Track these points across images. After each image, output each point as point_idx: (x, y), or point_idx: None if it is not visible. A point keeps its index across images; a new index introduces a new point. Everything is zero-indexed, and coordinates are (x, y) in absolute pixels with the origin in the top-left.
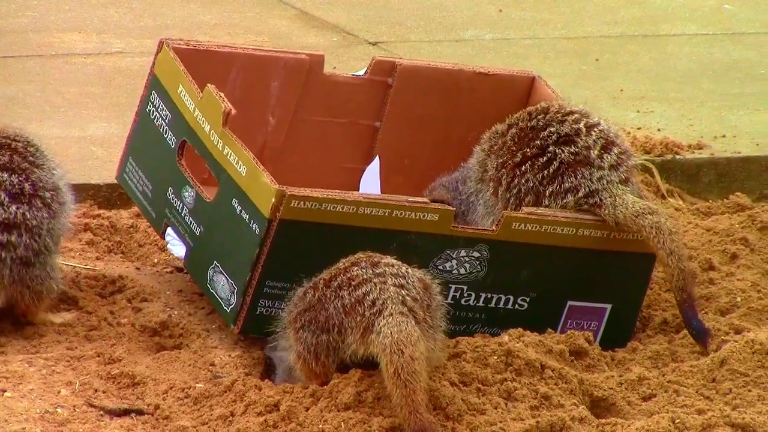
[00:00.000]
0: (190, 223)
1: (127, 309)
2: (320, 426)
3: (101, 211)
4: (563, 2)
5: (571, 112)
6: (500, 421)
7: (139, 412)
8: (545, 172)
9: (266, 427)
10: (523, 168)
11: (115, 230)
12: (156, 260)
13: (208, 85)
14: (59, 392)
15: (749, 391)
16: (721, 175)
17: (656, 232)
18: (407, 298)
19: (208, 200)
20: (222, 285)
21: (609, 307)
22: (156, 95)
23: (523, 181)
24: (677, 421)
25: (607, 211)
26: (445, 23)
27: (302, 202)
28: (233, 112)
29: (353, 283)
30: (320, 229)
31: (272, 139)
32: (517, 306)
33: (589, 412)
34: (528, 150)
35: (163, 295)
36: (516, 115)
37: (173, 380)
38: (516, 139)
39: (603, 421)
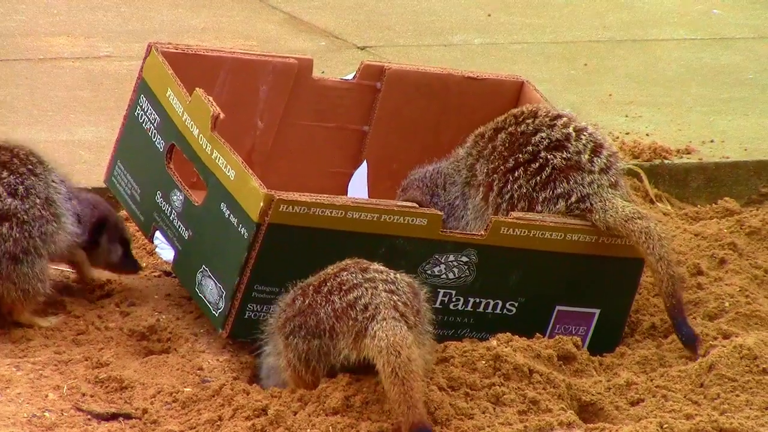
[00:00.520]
0: (179, 227)
1: (115, 313)
2: (308, 430)
3: None
4: (552, 7)
5: (559, 116)
6: (488, 426)
7: (127, 417)
8: (538, 177)
9: (254, 431)
10: (516, 174)
11: None
12: (144, 264)
13: (197, 89)
14: (47, 396)
15: (737, 396)
16: (709, 180)
17: (645, 237)
18: (398, 303)
19: (196, 204)
20: (210, 289)
21: (597, 311)
22: (145, 99)
23: (515, 186)
24: (665, 425)
25: (597, 216)
26: (433, 27)
27: (291, 207)
28: (222, 116)
29: (344, 287)
30: (309, 234)
31: (260, 143)
32: (505, 311)
33: (577, 417)
34: (520, 155)
35: (151, 300)
36: (501, 118)
37: (161, 384)
38: (506, 144)
39: (591, 425)
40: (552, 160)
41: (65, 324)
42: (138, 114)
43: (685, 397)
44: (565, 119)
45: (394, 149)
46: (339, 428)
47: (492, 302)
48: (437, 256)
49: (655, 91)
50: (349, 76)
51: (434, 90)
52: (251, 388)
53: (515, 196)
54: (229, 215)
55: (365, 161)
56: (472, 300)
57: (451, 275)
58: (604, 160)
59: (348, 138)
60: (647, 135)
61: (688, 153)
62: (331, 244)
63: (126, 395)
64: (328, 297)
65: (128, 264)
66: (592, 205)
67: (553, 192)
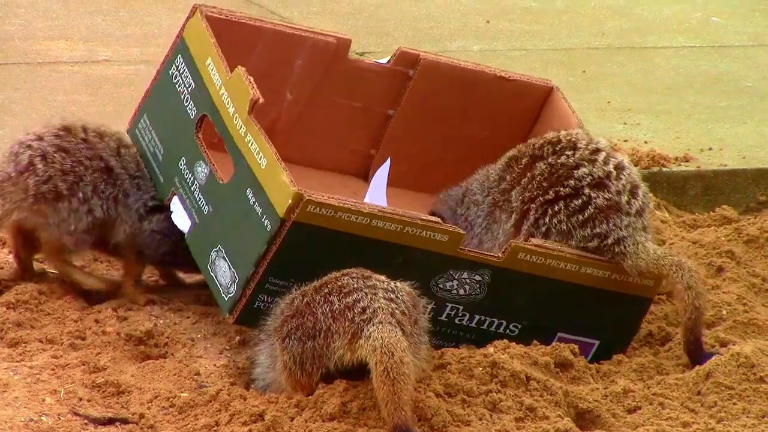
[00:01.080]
0: (199, 199)
1: (113, 318)
2: None
3: None
4: (551, 14)
5: (598, 150)
6: None
7: (124, 421)
8: (580, 215)
9: None
10: (557, 207)
11: None
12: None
13: (239, 67)
14: (44, 401)
15: (734, 404)
16: (707, 188)
17: (677, 269)
18: (396, 311)
19: (221, 182)
20: (223, 271)
21: (597, 343)
22: (182, 60)
23: (555, 221)
24: None
25: (630, 262)
26: (432, 34)
27: (318, 208)
28: (261, 100)
29: (344, 290)
30: (331, 236)
31: (286, 114)
32: (508, 331)
33: (574, 424)
34: (561, 189)
35: (148, 304)
36: (537, 144)
37: (158, 389)
38: (546, 175)
39: None
40: (595, 199)
41: (62, 328)
42: (172, 73)
43: (682, 404)
44: (604, 154)
45: (415, 135)
46: None
47: (497, 321)
48: (451, 272)
49: (654, 99)
50: (384, 60)
51: (464, 84)
52: (248, 393)
53: (553, 230)
54: (254, 203)
55: (389, 159)
56: (478, 317)
57: (462, 291)
58: (640, 202)
59: (372, 119)
60: (645, 142)
61: (686, 161)
62: (351, 248)
63: (123, 400)
64: (327, 297)
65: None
66: (625, 248)
67: (591, 231)
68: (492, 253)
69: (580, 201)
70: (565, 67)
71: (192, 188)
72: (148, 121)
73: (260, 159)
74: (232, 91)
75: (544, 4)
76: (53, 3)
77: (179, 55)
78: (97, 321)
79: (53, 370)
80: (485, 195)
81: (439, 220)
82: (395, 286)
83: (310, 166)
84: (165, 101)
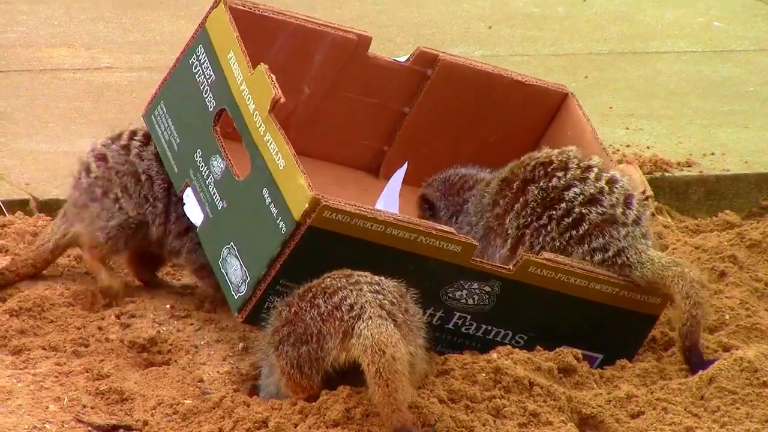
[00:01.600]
0: (214, 194)
1: (116, 325)
2: None
3: None
4: (552, 20)
5: (590, 168)
6: None
7: (128, 428)
8: (573, 232)
9: None
10: (549, 227)
11: None
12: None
13: (261, 64)
14: (47, 408)
15: (737, 408)
16: (709, 193)
17: (678, 279)
18: (384, 302)
19: (237, 179)
20: (234, 269)
21: (600, 357)
22: (203, 50)
23: (548, 239)
24: None
25: (637, 273)
26: (434, 40)
27: (334, 214)
28: (282, 100)
29: (328, 291)
30: (345, 241)
31: (303, 107)
32: (513, 342)
33: (578, 430)
34: (554, 212)
35: (151, 311)
36: (529, 165)
37: (162, 396)
38: (539, 200)
39: None
40: (588, 215)
41: (65, 335)
42: (192, 62)
43: (685, 409)
44: (595, 171)
45: (428, 134)
46: None
47: (503, 332)
48: (462, 282)
49: (656, 104)
50: (402, 59)
51: (480, 86)
52: (252, 400)
53: (546, 248)
54: (270, 203)
55: (406, 163)
56: (484, 327)
57: (470, 301)
58: (636, 211)
59: (387, 116)
60: (648, 147)
61: (689, 166)
62: (364, 255)
63: (127, 407)
64: (313, 302)
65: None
66: (628, 259)
67: (589, 246)
68: (503, 266)
69: (571, 218)
70: (567, 72)
71: (207, 182)
72: (165, 109)
73: (278, 159)
74: (253, 88)
75: (545, 10)
76: (55, 10)
77: (200, 45)
78: (100, 328)
79: (57, 377)
80: (479, 217)
81: (452, 230)
82: (379, 279)
83: (323, 160)
84: (184, 91)
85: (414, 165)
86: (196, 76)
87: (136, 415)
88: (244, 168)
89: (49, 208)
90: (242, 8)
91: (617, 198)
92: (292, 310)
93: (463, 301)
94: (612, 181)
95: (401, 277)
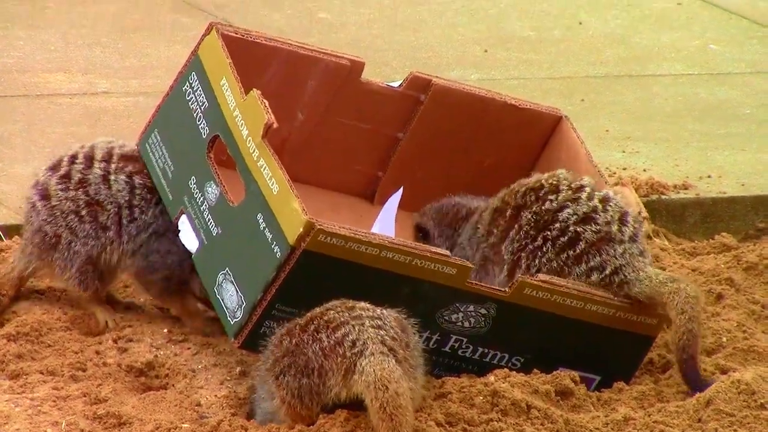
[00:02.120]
0: (208, 220)
1: (113, 349)
2: None
3: None
4: (548, 43)
5: (582, 188)
6: None
7: None
8: (570, 252)
9: None
10: (545, 249)
11: None
12: (142, 300)
13: (254, 90)
14: None
15: (735, 431)
16: (706, 215)
17: (674, 296)
18: (386, 338)
19: (231, 205)
20: (230, 295)
21: (597, 379)
22: (196, 78)
23: (543, 260)
24: None
25: (636, 289)
26: (430, 63)
27: (329, 238)
28: (275, 125)
29: (331, 325)
30: (340, 265)
31: (297, 133)
32: (510, 364)
33: None
34: (549, 233)
35: (148, 336)
36: (519, 192)
37: (159, 420)
38: (532, 224)
39: None
40: (584, 234)
41: (63, 360)
42: (185, 90)
43: None
44: (588, 190)
45: (423, 159)
46: None
47: (499, 354)
48: (458, 305)
49: (652, 127)
50: (395, 84)
51: (474, 110)
52: (249, 424)
53: (543, 270)
54: (264, 228)
55: (401, 188)
56: (481, 350)
57: (467, 324)
58: (632, 228)
59: (381, 141)
60: (644, 170)
61: (685, 188)
62: (359, 278)
63: (124, 431)
64: (315, 335)
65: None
66: (626, 276)
67: (587, 265)
68: (498, 288)
69: (566, 238)
70: (564, 95)
71: (201, 208)
72: (158, 137)
73: (272, 184)
74: (246, 114)
75: (541, 33)
76: (52, 35)
77: (193, 72)
78: (97, 352)
79: (54, 401)
80: (474, 250)
81: (447, 252)
82: (381, 312)
83: (318, 186)
84: (177, 118)
85: (409, 190)
86: (190, 103)
87: None
88: (238, 194)
89: None
90: (234, 35)
91: (611, 216)
92: (293, 341)
93: (459, 323)
94: (605, 200)
95: (397, 301)
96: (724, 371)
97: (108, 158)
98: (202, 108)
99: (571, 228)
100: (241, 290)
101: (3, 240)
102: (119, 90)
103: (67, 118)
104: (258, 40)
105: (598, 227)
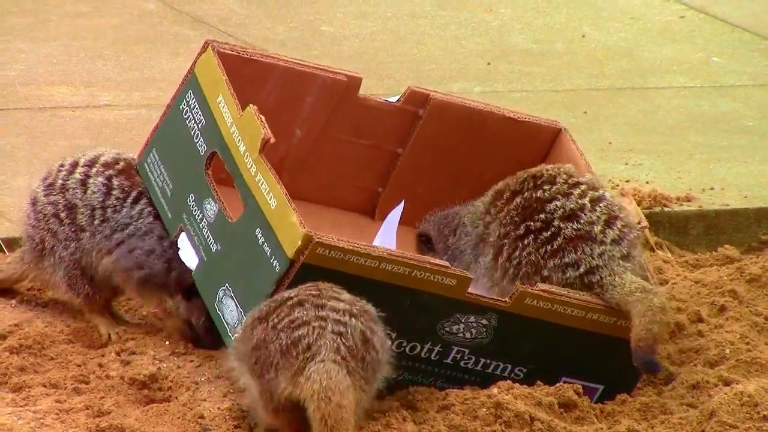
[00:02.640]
0: (207, 237)
1: (116, 362)
2: None
3: None
4: (551, 55)
5: (578, 184)
6: None
7: None
8: (548, 246)
9: None
10: (526, 241)
11: None
12: (144, 313)
13: (250, 105)
14: None
15: None
16: (709, 228)
17: (638, 303)
18: (342, 346)
19: (230, 221)
20: (230, 310)
21: (601, 388)
22: (192, 96)
23: (524, 253)
24: None
25: (609, 294)
26: (433, 76)
27: (328, 251)
28: (272, 140)
29: (293, 324)
30: (339, 277)
31: (295, 150)
32: (513, 375)
33: None
34: (532, 223)
35: (151, 348)
36: (522, 178)
37: None
38: (520, 210)
39: None
40: (564, 230)
41: (66, 372)
42: (183, 108)
43: None
44: (583, 187)
45: (423, 174)
46: None
47: (502, 365)
48: (458, 316)
49: (655, 139)
50: (393, 99)
51: (473, 124)
52: None
53: (522, 262)
54: (263, 243)
55: (403, 201)
56: (483, 360)
57: (468, 335)
58: (617, 231)
59: (381, 157)
60: (647, 183)
61: (688, 200)
62: (359, 290)
63: None
64: (278, 333)
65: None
66: (602, 279)
67: (561, 260)
68: (499, 298)
69: (549, 233)
70: (566, 108)
71: (200, 225)
72: (157, 156)
73: (270, 199)
74: (243, 130)
75: (544, 46)
76: (54, 48)
77: (190, 90)
78: (100, 365)
79: (57, 414)
80: (474, 227)
81: (447, 263)
82: (349, 319)
83: (318, 203)
84: (175, 136)
85: (410, 205)
86: (187, 121)
87: None
88: (237, 211)
89: None
90: (230, 53)
91: (598, 216)
92: (263, 336)
93: (461, 335)
94: (597, 200)
95: (398, 313)
96: (727, 383)
97: (91, 164)
98: (200, 126)
99: (555, 222)
100: (241, 305)
101: (5, 253)
102: (121, 102)
103: (70, 131)
104: (254, 57)
105: (579, 225)
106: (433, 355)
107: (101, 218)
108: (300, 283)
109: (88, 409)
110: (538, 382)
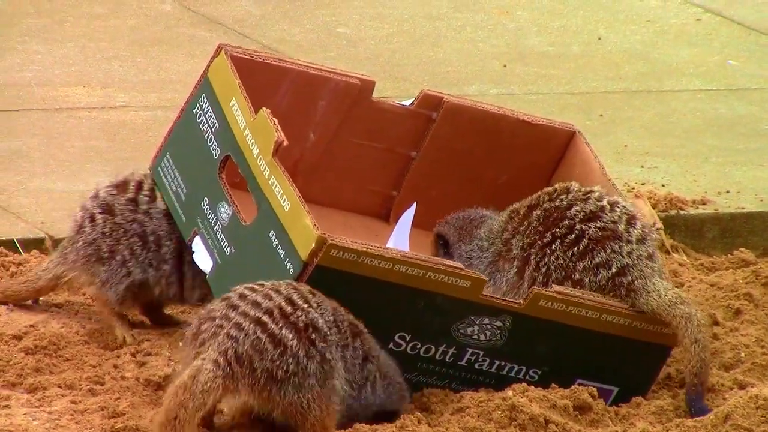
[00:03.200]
0: (222, 240)
1: (131, 363)
2: None
3: None
4: (567, 58)
5: (591, 191)
6: None
7: None
8: (575, 249)
9: None
10: (553, 246)
11: None
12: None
13: (263, 109)
14: None
15: None
16: (725, 231)
17: (686, 322)
18: (231, 350)
19: (244, 223)
20: None
21: (616, 390)
22: (206, 100)
23: (552, 258)
24: None
25: (642, 300)
26: (449, 78)
27: (341, 253)
28: (285, 143)
29: (206, 317)
30: (353, 279)
31: (309, 154)
32: (528, 377)
33: None
34: (557, 230)
35: (166, 349)
36: (534, 196)
37: None
38: (541, 220)
39: None
40: (587, 230)
41: (81, 373)
42: (196, 112)
43: None
44: (597, 194)
45: (437, 178)
46: None
47: (516, 367)
48: (473, 317)
49: (671, 142)
50: (407, 102)
51: (487, 128)
52: None
53: (551, 267)
54: (277, 245)
55: (414, 205)
56: (497, 363)
57: (482, 337)
58: (639, 231)
59: (394, 161)
60: (663, 185)
61: (704, 204)
62: (373, 292)
63: None
64: (198, 322)
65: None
66: (633, 282)
67: (591, 261)
68: (513, 300)
69: (573, 235)
70: (582, 110)
71: (214, 229)
72: (171, 160)
73: (284, 201)
74: (256, 133)
75: (560, 49)
76: (70, 49)
77: (203, 95)
78: (115, 366)
79: (72, 415)
80: (490, 243)
81: (461, 265)
82: (251, 327)
83: (331, 207)
84: (189, 141)
85: (423, 208)
86: (201, 125)
87: None
88: (251, 214)
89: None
90: (243, 56)
91: (619, 216)
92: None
93: (475, 336)
94: (614, 203)
95: (412, 314)
96: (742, 386)
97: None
98: (213, 129)
99: (577, 226)
100: None
101: (21, 254)
102: (138, 104)
103: (86, 132)
104: (267, 61)
105: (602, 224)
106: (447, 357)
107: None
108: (315, 286)
109: (103, 410)
110: (553, 384)
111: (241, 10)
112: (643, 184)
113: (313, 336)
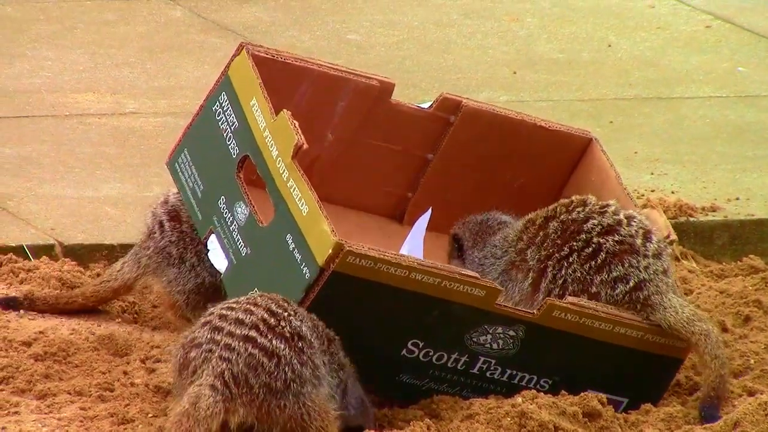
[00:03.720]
0: (237, 240)
1: (141, 369)
2: None
3: None
4: (577, 65)
5: (608, 204)
6: None
7: None
8: (592, 262)
9: None
10: (571, 259)
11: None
12: (169, 321)
13: (284, 110)
14: None
15: None
16: (734, 238)
17: (705, 339)
18: (226, 371)
19: (261, 224)
20: None
21: (625, 401)
22: (226, 98)
23: (569, 271)
24: None
25: (659, 315)
26: (459, 85)
27: (358, 259)
28: (305, 146)
29: (191, 345)
30: (369, 286)
31: (326, 154)
32: (538, 386)
33: None
34: (574, 243)
35: None
36: (551, 207)
37: None
38: (559, 232)
39: None
40: (605, 244)
41: (90, 380)
42: (215, 110)
43: None
44: (614, 207)
45: (452, 181)
46: None
47: (528, 376)
48: (486, 326)
49: (681, 149)
50: (425, 105)
51: (504, 132)
52: None
53: (569, 280)
54: (293, 249)
55: (430, 209)
56: (509, 371)
57: (495, 346)
58: (656, 245)
59: (411, 162)
60: (672, 192)
61: (714, 210)
62: (388, 299)
63: None
64: (182, 352)
65: None
66: (650, 297)
67: (609, 275)
68: (527, 310)
69: (591, 249)
70: (593, 117)
71: (231, 228)
72: (188, 156)
73: (302, 205)
74: (276, 134)
75: (570, 55)
76: (80, 56)
77: (223, 92)
78: (125, 373)
79: (81, 422)
80: (504, 252)
81: (476, 274)
82: (241, 345)
83: (347, 206)
84: (207, 138)
85: (439, 211)
86: (219, 123)
87: None
88: (268, 215)
89: (74, 253)
90: (264, 55)
91: (635, 230)
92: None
93: (488, 345)
94: (630, 217)
95: (426, 322)
96: (751, 393)
97: None
98: (232, 128)
99: (595, 239)
100: None
101: (31, 260)
102: (148, 110)
103: (96, 138)
104: (288, 61)
105: (620, 238)
106: (459, 365)
107: None
108: (330, 292)
109: (112, 416)
110: (563, 391)
111: (251, 17)
112: (652, 190)
113: (300, 344)
